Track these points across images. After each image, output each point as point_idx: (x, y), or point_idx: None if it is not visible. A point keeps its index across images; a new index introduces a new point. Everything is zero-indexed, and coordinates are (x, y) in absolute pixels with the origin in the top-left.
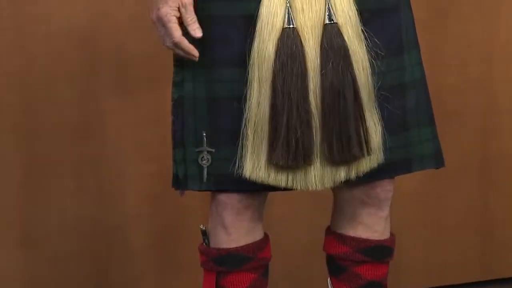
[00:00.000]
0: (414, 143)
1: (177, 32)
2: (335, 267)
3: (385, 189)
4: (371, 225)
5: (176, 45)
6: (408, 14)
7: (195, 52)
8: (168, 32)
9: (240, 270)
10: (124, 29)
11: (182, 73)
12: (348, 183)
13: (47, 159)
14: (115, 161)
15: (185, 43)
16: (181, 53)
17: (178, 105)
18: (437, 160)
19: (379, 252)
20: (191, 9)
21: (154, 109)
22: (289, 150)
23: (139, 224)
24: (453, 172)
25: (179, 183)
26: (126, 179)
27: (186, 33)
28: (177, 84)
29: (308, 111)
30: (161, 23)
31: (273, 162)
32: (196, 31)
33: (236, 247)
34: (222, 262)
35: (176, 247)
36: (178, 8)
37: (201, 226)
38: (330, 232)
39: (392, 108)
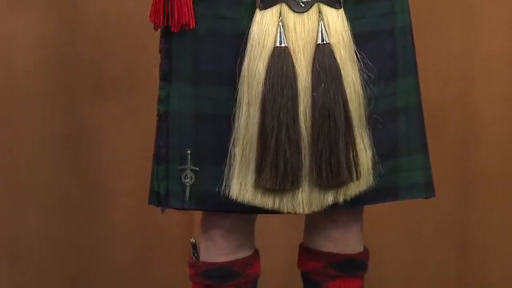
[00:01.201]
0: (403, 171)
1: None
2: (309, 283)
3: (353, 209)
4: (342, 240)
5: None
6: (407, 39)
7: None
8: None
9: (229, 285)
10: (105, 43)
11: (168, 88)
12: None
13: (30, 173)
14: (97, 175)
15: None
16: None
17: (163, 120)
18: (427, 190)
19: (351, 266)
20: None
21: (137, 124)
22: (277, 173)
23: (122, 239)
24: None
25: (161, 200)
26: (109, 194)
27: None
28: (162, 99)
29: (297, 133)
30: None
31: (260, 184)
32: None
33: (225, 262)
34: (211, 276)
35: (159, 262)
36: None
37: (191, 240)
38: (303, 248)
39: (384, 134)
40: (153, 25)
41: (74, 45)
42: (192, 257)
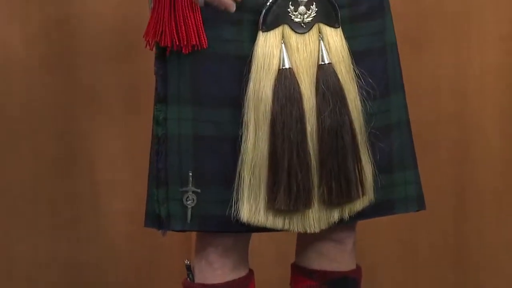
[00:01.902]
0: (399, 185)
1: None
2: None
3: (348, 225)
4: (335, 258)
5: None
6: (394, 56)
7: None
8: None
9: None
10: (99, 64)
11: (166, 110)
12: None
13: (23, 195)
14: (90, 197)
15: None
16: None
17: (161, 143)
18: (419, 203)
19: (344, 284)
20: None
21: (130, 145)
22: (290, 195)
23: (114, 262)
24: (427, 206)
25: (161, 223)
26: (102, 216)
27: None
28: (160, 122)
29: (307, 154)
30: None
31: (274, 207)
32: None
33: (221, 283)
34: None
35: (153, 285)
36: None
37: (186, 261)
38: (296, 266)
39: (381, 149)
40: (148, 44)
41: (68, 66)
42: (187, 279)
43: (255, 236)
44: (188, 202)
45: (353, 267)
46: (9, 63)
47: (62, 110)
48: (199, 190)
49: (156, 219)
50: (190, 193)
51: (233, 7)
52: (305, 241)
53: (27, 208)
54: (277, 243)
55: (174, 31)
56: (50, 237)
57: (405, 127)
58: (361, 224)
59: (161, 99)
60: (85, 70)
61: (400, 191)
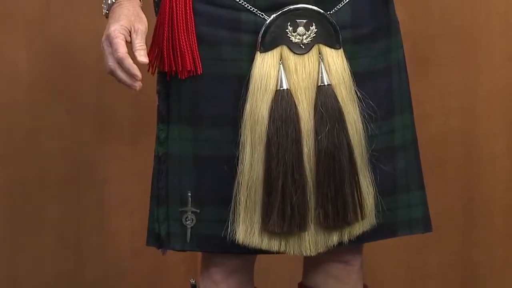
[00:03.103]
0: (402, 208)
1: (122, 48)
2: None
3: (354, 246)
4: (342, 278)
5: (119, 61)
6: (402, 77)
7: (137, 72)
8: (113, 48)
9: None
10: (107, 82)
11: (167, 129)
12: None
13: (30, 212)
14: (95, 214)
15: (128, 60)
16: (122, 76)
17: (162, 162)
18: (425, 225)
19: None
20: (142, 35)
21: (135, 163)
22: (284, 217)
23: (119, 280)
24: (435, 224)
25: (162, 242)
26: (108, 233)
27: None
28: (161, 141)
29: (303, 176)
30: (108, 39)
31: (267, 228)
32: (143, 57)
33: None
34: None
35: None
36: (130, 31)
37: (191, 280)
38: (303, 286)
39: (383, 171)
40: (150, 67)
41: (76, 83)
42: None
43: (261, 255)
44: (188, 222)
45: (361, 287)
46: (15, 83)
47: (68, 129)
48: (198, 210)
49: (157, 238)
50: (190, 213)
51: (137, 87)
52: (312, 261)
53: (33, 225)
54: (284, 262)
55: (171, 57)
56: (56, 254)
57: (411, 148)
58: (368, 243)
59: (163, 119)
60: (92, 90)
61: (403, 213)
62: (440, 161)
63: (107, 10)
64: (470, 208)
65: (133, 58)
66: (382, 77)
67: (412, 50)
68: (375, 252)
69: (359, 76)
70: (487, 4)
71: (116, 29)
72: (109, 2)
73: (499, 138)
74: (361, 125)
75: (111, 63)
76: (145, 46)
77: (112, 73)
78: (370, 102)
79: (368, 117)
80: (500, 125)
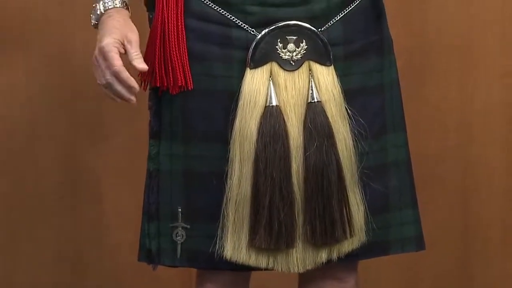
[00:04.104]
0: (394, 226)
1: (117, 61)
2: None
3: (349, 264)
4: None
5: (116, 74)
6: (395, 96)
7: (135, 84)
8: (108, 62)
9: None
10: (101, 92)
11: (158, 145)
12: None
13: (24, 226)
14: (93, 228)
15: (126, 73)
16: (119, 89)
17: (153, 178)
18: (418, 244)
19: None
20: (136, 45)
21: (132, 177)
22: (271, 233)
23: None
24: (432, 239)
25: (152, 257)
26: (105, 247)
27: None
28: (153, 157)
29: (291, 192)
30: (102, 53)
31: (254, 244)
32: (141, 65)
33: None
34: None
35: None
36: (123, 43)
37: None
38: None
39: (374, 189)
40: (143, 82)
41: (73, 96)
42: None
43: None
44: (178, 238)
45: None
46: (13, 95)
47: (66, 142)
48: (188, 226)
49: (148, 254)
50: (180, 228)
51: (134, 100)
52: (307, 278)
53: (31, 239)
54: (279, 278)
55: (163, 72)
56: (53, 267)
57: (404, 166)
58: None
59: (154, 135)
60: (89, 103)
61: (395, 232)
62: (437, 176)
63: (96, 21)
64: (467, 223)
65: (128, 70)
66: (374, 95)
67: (408, 66)
68: (370, 267)
69: (350, 93)
70: (484, 20)
71: (110, 43)
72: (98, 12)
73: (495, 154)
74: (351, 142)
75: (108, 76)
76: (141, 55)
77: (108, 86)
78: (361, 119)
79: (359, 135)
80: (497, 140)
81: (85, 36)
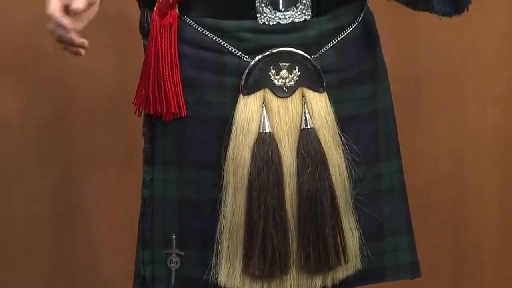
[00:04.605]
0: (389, 252)
1: (53, 6)
2: None
3: None
4: None
5: (52, 15)
6: (389, 123)
7: (67, 21)
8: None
9: None
10: (97, 121)
11: (152, 172)
12: None
13: (19, 250)
14: (87, 251)
15: (58, 13)
16: (62, 33)
17: (147, 204)
18: (413, 271)
19: None
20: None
21: (128, 199)
22: (265, 260)
23: None
24: (426, 267)
25: (147, 284)
26: (98, 271)
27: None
28: (147, 184)
29: (284, 219)
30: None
31: (248, 271)
32: (76, 5)
33: None
34: None
35: None
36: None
37: None
38: None
39: (369, 215)
40: (137, 109)
41: (65, 122)
42: None
43: None
44: (172, 265)
45: None
46: (5, 124)
47: (58, 168)
48: (182, 253)
49: (142, 281)
50: (174, 255)
51: (82, 53)
52: None
53: (23, 266)
54: None
55: (157, 99)
56: None
57: (399, 192)
58: None
59: (148, 161)
60: (82, 130)
61: (390, 258)
62: (430, 202)
63: None
64: (460, 250)
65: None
66: (368, 122)
67: (401, 92)
68: None
69: (344, 120)
70: (476, 47)
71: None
72: None
73: (488, 180)
74: (345, 168)
75: (52, 25)
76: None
77: (57, 37)
78: (355, 146)
79: (352, 161)
80: (489, 168)
81: (80, 64)
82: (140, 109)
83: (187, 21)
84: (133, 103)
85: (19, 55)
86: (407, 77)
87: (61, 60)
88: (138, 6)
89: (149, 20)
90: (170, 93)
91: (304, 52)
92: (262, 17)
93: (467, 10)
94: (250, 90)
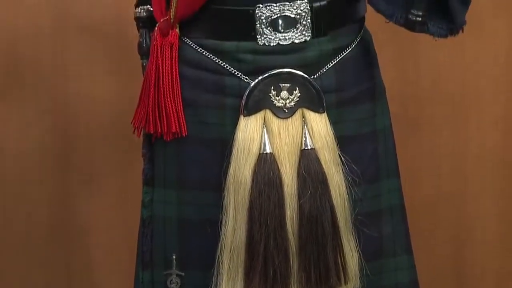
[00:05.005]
0: (389, 272)
1: None
2: None
3: None
4: None
5: None
6: (388, 143)
7: None
8: None
9: None
10: (94, 135)
11: (152, 192)
12: None
13: (18, 267)
14: (85, 271)
15: None
16: None
17: (147, 225)
18: None
19: None
20: None
21: (124, 225)
22: (266, 281)
23: None
24: (425, 287)
25: None
26: (96, 285)
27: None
28: (146, 204)
29: (285, 240)
30: None
31: None
32: None
33: None
34: None
35: None
36: None
37: None
38: None
39: (368, 235)
40: (135, 129)
41: (64, 144)
42: None
43: None
44: (172, 285)
45: None
46: (4, 147)
47: (57, 192)
48: (182, 273)
49: None
50: (174, 276)
51: None
52: None
53: (21, 276)
54: None
55: (157, 119)
56: None
57: (398, 212)
58: None
59: (148, 182)
60: (80, 153)
61: (390, 278)
62: (431, 222)
63: None
64: (460, 270)
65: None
66: (367, 142)
67: (402, 112)
68: None
69: (344, 140)
70: (477, 67)
71: None
72: None
73: (489, 200)
74: (345, 189)
75: None
76: None
77: None
78: (354, 166)
79: (352, 181)
80: (490, 187)
81: (77, 87)
82: (140, 128)
83: (187, 42)
84: (131, 122)
85: (19, 77)
86: (407, 97)
87: (60, 82)
88: (136, 27)
89: (147, 40)
90: (171, 112)
91: (304, 73)
92: (262, 38)
93: (462, 31)
94: (250, 111)
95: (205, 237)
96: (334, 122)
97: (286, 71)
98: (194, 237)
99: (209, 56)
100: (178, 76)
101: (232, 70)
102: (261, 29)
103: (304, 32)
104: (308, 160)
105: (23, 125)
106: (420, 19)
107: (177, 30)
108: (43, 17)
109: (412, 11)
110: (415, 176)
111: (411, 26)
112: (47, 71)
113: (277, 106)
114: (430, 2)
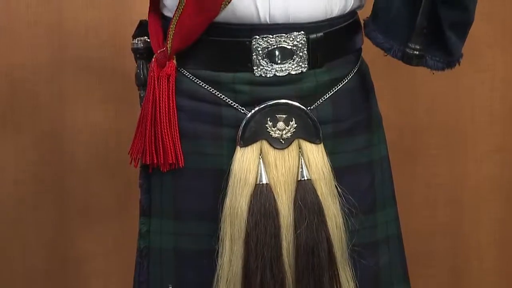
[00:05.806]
0: None
1: None
2: None
3: None
4: None
5: None
6: (385, 173)
7: None
8: None
9: None
10: (91, 164)
11: (149, 223)
12: None
13: None
14: None
15: None
16: None
17: (143, 256)
18: None
19: None
20: None
21: (121, 256)
22: None
23: None
24: None
25: None
26: None
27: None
28: (143, 235)
29: (281, 271)
30: None
31: None
32: None
33: None
34: None
35: None
36: None
37: None
38: None
39: (365, 265)
40: (133, 160)
41: (61, 175)
42: None
43: None
44: None
45: None
46: (1, 174)
47: (53, 221)
48: None
49: None
50: None
51: None
52: None
53: None
54: None
55: (154, 150)
56: None
57: (395, 242)
58: None
59: (144, 212)
60: (78, 183)
61: None
62: (428, 252)
63: None
64: None
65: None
66: (364, 172)
67: (399, 142)
68: None
69: (340, 171)
70: (472, 97)
71: None
72: None
73: (486, 230)
74: (341, 219)
75: None
76: None
77: None
78: (351, 197)
79: (349, 212)
80: (487, 217)
81: (75, 116)
82: (137, 159)
83: (184, 73)
84: (128, 153)
85: (14, 107)
86: (404, 126)
87: (56, 111)
88: (134, 58)
89: (145, 71)
90: (168, 144)
91: (301, 104)
92: (259, 69)
93: (459, 64)
94: (247, 141)
95: (201, 267)
96: (331, 153)
97: (283, 102)
98: (191, 267)
99: (205, 87)
100: (175, 107)
101: (229, 101)
102: (257, 60)
103: (300, 64)
104: (304, 191)
105: (19, 152)
106: (417, 52)
107: (174, 61)
108: (40, 46)
109: (410, 44)
110: (411, 206)
111: (408, 59)
112: (43, 100)
113: (273, 137)
114: (427, 36)
